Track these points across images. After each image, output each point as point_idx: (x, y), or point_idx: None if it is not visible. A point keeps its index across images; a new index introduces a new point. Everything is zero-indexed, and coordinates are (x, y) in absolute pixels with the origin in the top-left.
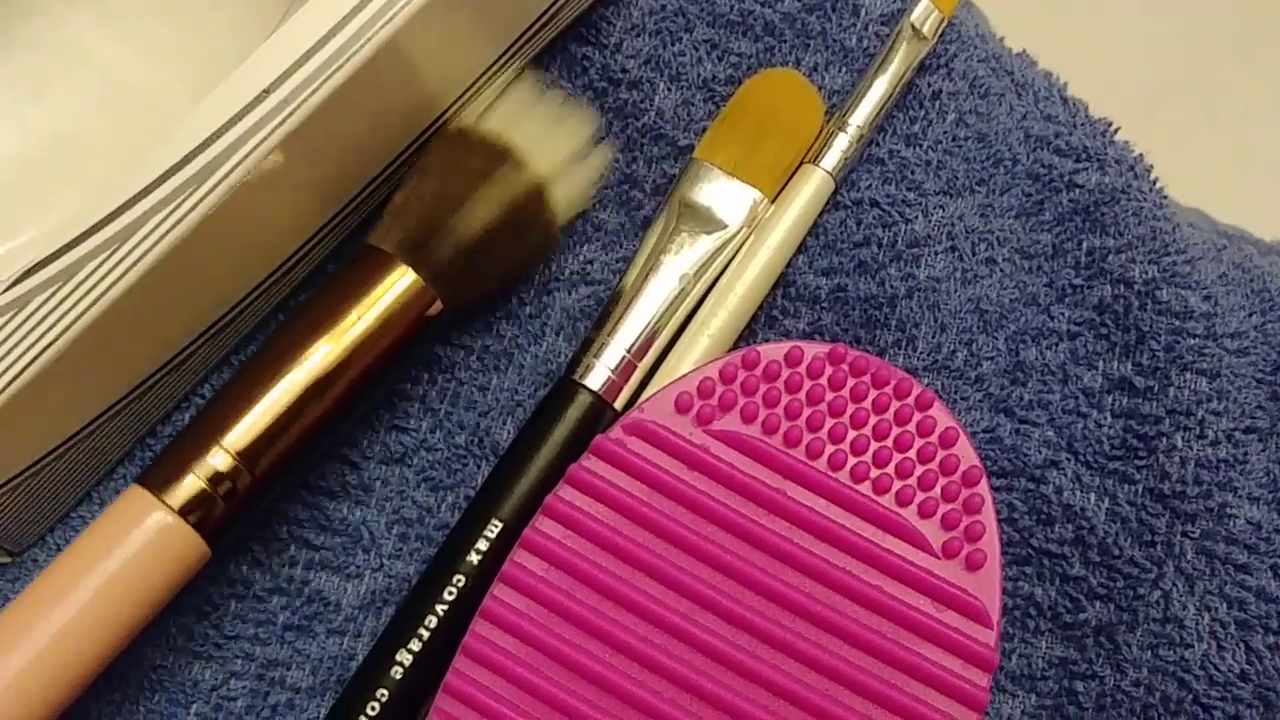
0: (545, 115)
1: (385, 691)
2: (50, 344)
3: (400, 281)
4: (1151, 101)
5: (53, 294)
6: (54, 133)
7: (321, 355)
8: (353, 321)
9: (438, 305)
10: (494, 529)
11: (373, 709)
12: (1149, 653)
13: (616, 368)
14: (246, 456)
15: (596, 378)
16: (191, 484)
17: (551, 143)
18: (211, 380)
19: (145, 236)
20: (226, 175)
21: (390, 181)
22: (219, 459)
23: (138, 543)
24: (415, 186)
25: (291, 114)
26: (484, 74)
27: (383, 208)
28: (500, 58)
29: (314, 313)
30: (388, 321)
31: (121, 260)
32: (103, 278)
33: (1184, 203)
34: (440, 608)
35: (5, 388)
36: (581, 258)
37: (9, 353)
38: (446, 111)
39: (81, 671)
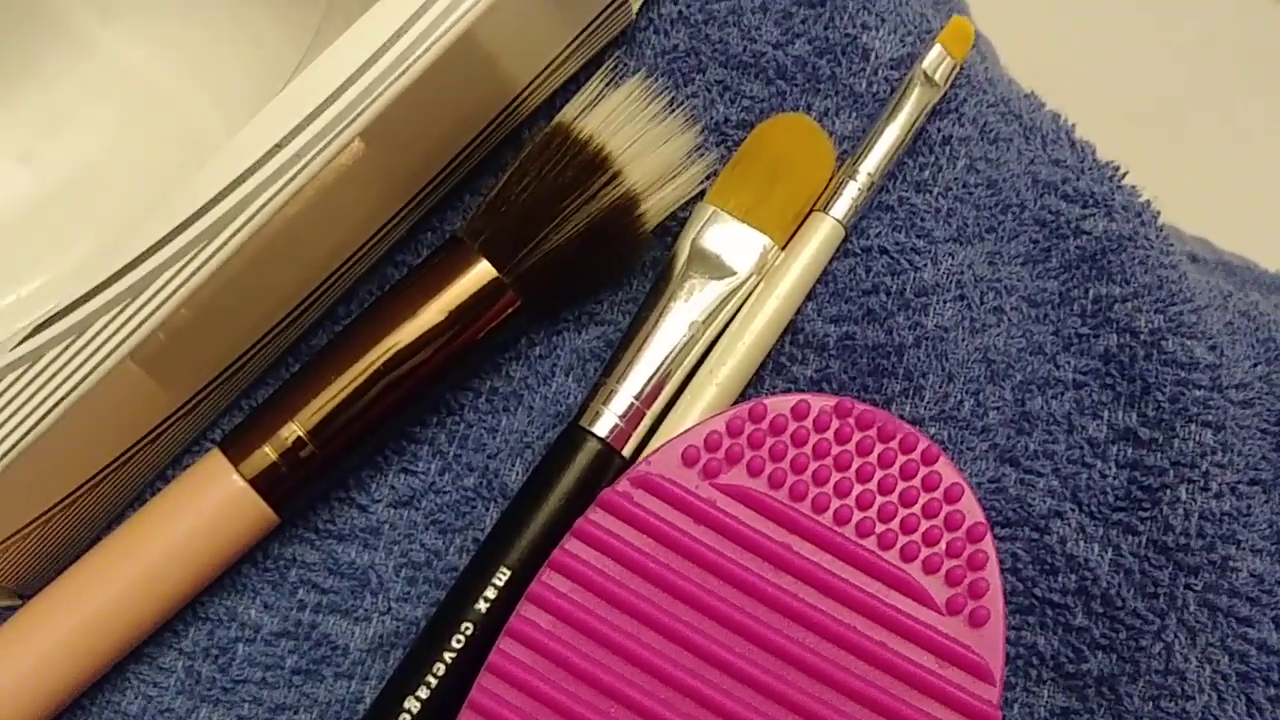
0: (647, 121)
1: None
2: (63, 397)
3: (481, 279)
4: (1155, 127)
5: (66, 347)
6: (64, 175)
7: (395, 342)
8: (429, 312)
9: (516, 304)
10: (502, 577)
11: None
12: (1150, 704)
13: (624, 415)
14: (316, 432)
15: (604, 425)
16: (263, 455)
17: (650, 153)
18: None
19: (158, 291)
20: (239, 230)
21: (410, 216)
22: (290, 432)
23: (211, 506)
24: (509, 187)
25: (304, 167)
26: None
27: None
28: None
29: (394, 301)
30: (463, 315)
31: (135, 315)
32: (115, 332)
33: (1189, 231)
34: (448, 655)
35: (20, 440)
36: (591, 298)
37: (24, 405)
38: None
39: (153, 612)
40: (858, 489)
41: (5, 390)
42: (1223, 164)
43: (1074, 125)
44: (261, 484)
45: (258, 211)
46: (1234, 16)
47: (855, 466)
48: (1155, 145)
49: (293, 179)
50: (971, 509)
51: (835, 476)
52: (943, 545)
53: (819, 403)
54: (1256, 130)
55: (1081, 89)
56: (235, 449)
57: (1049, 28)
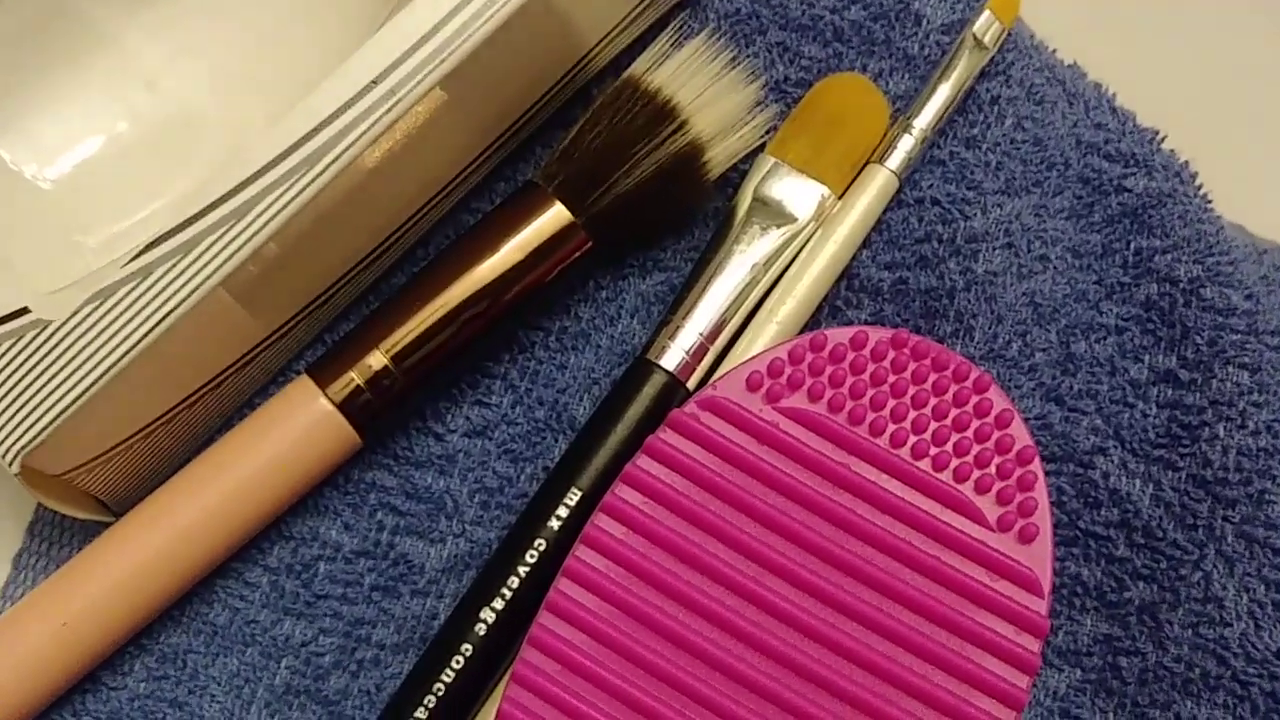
0: (713, 76)
1: (470, 647)
2: (170, 313)
3: (557, 221)
4: (1188, 113)
5: (173, 265)
6: (167, 117)
7: (475, 278)
8: (508, 251)
9: (587, 245)
10: (573, 497)
11: (457, 663)
12: (1190, 631)
13: (690, 349)
14: (399, 360)
15: (671, 358)
16: (349, 380)
17: (715, 106)
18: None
19: (259, 215)
20: (335, 160)
21: (513, 139)
22: (376, 360)
23: (299, 427)
24: (582, 134)
25: (397, 103)
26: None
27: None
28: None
29: (474, 240)
30: (539, 254)
31: (237, 237)
32: (219, 253)
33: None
34: (522, 569)
35: (129, 352)
36: (656, 245)
37: (134, 318)
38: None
39: (241, 528)
40: (913, 414)
41: (118, 303)
42: (1257, 150)
43: (1114, 95)
44: (347, 408)
45: (352, 144)
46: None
47: (911, 393)
48: (1189, 132)
49: (385, 115)
50: (1020, 433)
51: (891, 402)
52: (993, 467)
53: (877, 333)
54: None
55: (1114, 75)
56: (323, 375)
57: (1080, 18)
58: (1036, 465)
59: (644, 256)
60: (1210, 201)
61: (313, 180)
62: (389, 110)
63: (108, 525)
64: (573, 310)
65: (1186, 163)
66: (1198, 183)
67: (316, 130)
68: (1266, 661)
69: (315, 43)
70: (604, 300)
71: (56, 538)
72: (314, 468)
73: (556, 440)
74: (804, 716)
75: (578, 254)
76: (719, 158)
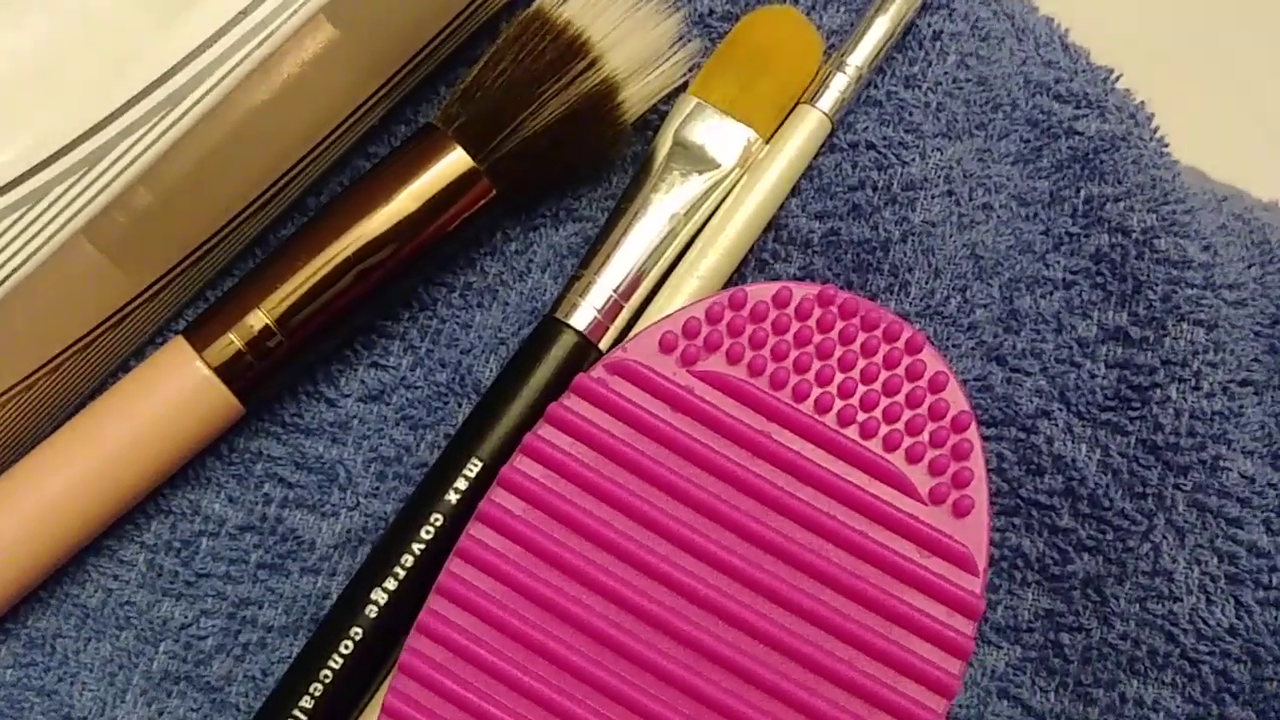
0: (629, 7)
1: (359, 630)
2: (17, 268)
3: (456, 167)
4: (1150, 58)
5: (20, 216)
6: (30, 52)
7: (367, 230)
8: (402, 200)
9: (490, 194)
10: (473, 468)
11: (346, 648)
12: (1137, 606)
13: (602, 308)
14: (283, 321)
15: (582, 317)
16: (228, 343)
17: (631, 40)
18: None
19: (118, 159)
20: (200, 99)
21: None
22: (257, 321)
23: (174, 393)
24: (485, 72)
25: (270, 36)
26: None
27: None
28: None
29: (366, 188)
30: (436, 204)
31: (93, 183)
32: (73, 201)
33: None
34: (417, 547)
35: None
36: (569, 193)
37: None
38: None
39: (115, 501)
40: (839, 377)
41: None
42: (1214, 93)
43: (1067, 30)
44: (226, 373)
45: (220, 80)
46: None
47: (837, 354)
48: (1145, 70)
49: (255, 49)
50: (956, 398)
51: (817, 364)
52: (926, 434)
53: (801, 290)
54: (1249, 57)
55: (1067, 8)
56: (199, 336)
57: None
58: (973, 432)
59: (556, 205)
60: (1167, 145)
61: (173, 124)
62: (260, 44)
63: None
64: (478, 264)
65: (1142, 104)
66: (1154, 125)
67: (178, 68)
68: (1218, 639)
69: None
70: (512, 253)
71: None
72: (192, 437)
73: (459, 405)
74: (719, 706)
75: (481, 203)
76: (636, 98)
